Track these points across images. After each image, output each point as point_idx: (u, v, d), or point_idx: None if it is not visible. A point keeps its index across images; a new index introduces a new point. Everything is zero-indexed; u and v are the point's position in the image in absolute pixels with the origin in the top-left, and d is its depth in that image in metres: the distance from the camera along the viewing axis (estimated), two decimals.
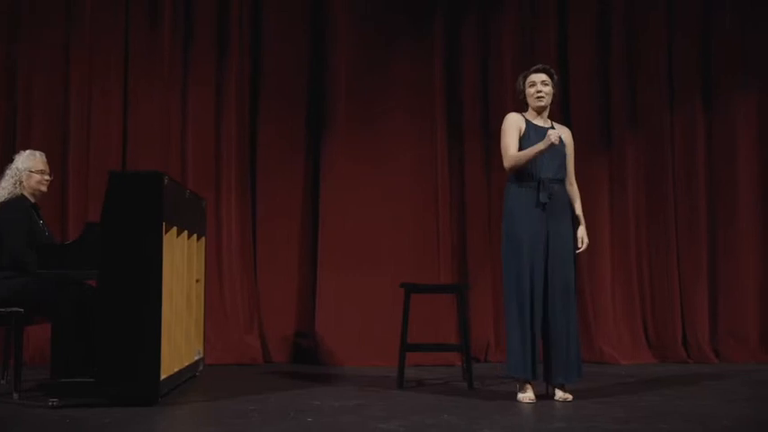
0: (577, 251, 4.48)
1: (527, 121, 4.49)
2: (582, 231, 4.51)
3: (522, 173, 4.43)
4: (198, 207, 5.32)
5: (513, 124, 4.48)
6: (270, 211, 6.46)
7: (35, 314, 4.49)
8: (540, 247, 4.36)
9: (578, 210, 4.55)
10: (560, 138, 4.35)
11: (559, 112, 6.36)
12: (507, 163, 4.44)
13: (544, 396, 4.40)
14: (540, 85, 4.48)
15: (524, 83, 4.54)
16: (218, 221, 6.32)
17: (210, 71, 6.43)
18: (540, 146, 4.32)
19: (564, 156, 4.49)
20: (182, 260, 4.72)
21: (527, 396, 4.35)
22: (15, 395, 4.33)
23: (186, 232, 4.83)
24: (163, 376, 4.15)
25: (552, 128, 4.50)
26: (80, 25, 6.31)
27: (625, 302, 6.48)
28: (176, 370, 4.54)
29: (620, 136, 6.58)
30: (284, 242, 6.45)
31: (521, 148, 4.43)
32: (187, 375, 4.92)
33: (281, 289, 6.41)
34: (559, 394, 4.38)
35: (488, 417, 3.90)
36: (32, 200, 4.70)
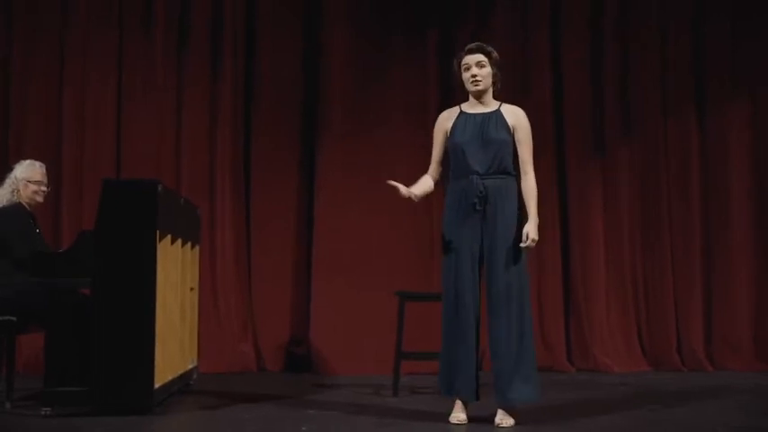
0: (522, 245, 3.83)
1: (460, 114, 4.00)
2: (530, 228, 3.83)
3: (456, 167, 3.97)
4: (192, 215, 5.31)
5: (439, 130, 4.06)
6: (264, 218, 6.44)
7: (28, 323, 4.47)
8: (471, 252, 3.87)
9: (531, 208, 3.89)
10: (497, 125, 3.91)
11: (553, 117, 6.39)
12: None
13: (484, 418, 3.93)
14: (474, 68, 3.93)
15: (459, 67, 4.00)
16: (213, 229, 6.30)
17: (205, 79, 6.43)
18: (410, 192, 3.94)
19: (501, 145, 3.90)
20: (176, 268, 4.71)
21: (455, 417, 3.92)
22: (8, 404, 4.30)
23: (180, 240, 4.81)
24: (157, 385, 4.13)
25: (498, 111, 3.96)
26: (75, 33, 6.30)
27: (619, 309, 6.48)
28: (170, 378, 4.52)
29: (614, 143, 6.58)
30: (278, 250, 6.43)
31: (450, 143, 3.99)
32: (181, 384, 4.90)
33: (276, 297, 6.39)
34: (498, 417, 3.85)
35: (485, 425, 3.88)
36: (28, 209, 4.69)
